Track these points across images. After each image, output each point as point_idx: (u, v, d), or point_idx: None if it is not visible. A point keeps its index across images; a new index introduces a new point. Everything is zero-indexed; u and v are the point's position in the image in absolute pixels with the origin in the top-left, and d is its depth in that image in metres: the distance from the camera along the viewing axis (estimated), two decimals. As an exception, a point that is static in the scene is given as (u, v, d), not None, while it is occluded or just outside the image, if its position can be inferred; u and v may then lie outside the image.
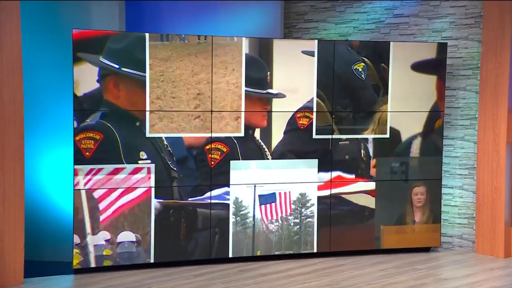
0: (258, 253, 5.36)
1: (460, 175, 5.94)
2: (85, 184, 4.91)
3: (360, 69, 5.40)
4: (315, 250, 5.49)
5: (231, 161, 5.23)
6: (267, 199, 5.34)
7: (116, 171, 4.96)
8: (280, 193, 5.38)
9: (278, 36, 6.28)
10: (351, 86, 5.45)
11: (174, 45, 5.05)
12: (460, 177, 5.94)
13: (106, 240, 4.98)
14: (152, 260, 5.12)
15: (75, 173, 4.89)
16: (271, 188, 5.36)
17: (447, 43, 5.77)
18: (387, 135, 5.55)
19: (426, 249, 5.80)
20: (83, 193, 4.92)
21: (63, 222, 5.51)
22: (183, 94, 5.08)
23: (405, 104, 5.61)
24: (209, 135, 5.16)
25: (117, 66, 4.92)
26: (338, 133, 5.44)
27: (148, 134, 5.02)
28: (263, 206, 5.34)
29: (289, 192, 5.39)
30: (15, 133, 4.60)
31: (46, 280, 4.86)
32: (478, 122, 5.74)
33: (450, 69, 5.89)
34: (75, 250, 4.92)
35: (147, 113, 4.99)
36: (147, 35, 5.00)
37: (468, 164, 5.91)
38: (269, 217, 5.34)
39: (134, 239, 5.06)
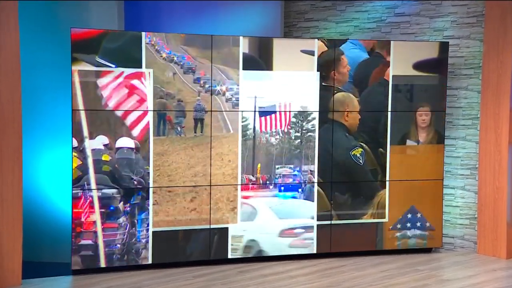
0: (259, 167, 5.30)
1: (461, 175, 5.91)
2: (80, 84, 4.83)
3: (358, 155, 5.46)
4: (316, 177, 5.43)
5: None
6: (267, 112, 5.27)
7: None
8: (280, 105, 5.31)
9: (278, 35, 6.25)
10: (349, 172, 5.49)
11: (171, 139, 5.07)
12: (462, 178, 5.90)
13: (105, 145, 4.93)
14: (150, 261, 5.09)
15: (72, 73, 4.81)
16: (272, 100, 5.30)
17: (448, 42, 5.73)
18: (386, 219, 5.57)
19: (428, 250, 5.77)
20: (79, 95, 4.82)
21: (61, 222, 5.48)
22: (179, 187, 5.09)
23: (406, 104, 5.59)
24: (207, 226, 5.17)
25: (113, 66, 4.90)
26: (336, 218, 5.47)
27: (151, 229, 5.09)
28: (263, 118, 5.27)
29: (290, 104, 5.34)
30: (13, 133, 4.58)
31: (45, 281, 4.84)
32: (480, 122, 5.70)
33: (451, 69, 5.85)
34: (74, 154, 4.86)
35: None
36: (143, 34, 4.98)
37: (470, 164, 5.87)
38: (269, 129, 5.28)
39: (133, 146, 5.00)
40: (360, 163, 5.48)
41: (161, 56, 4.99)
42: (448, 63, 5.71)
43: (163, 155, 5.04)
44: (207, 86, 5.11)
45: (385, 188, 5.55)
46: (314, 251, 5.47)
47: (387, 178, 5.54)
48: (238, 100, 5.18)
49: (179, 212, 5.10)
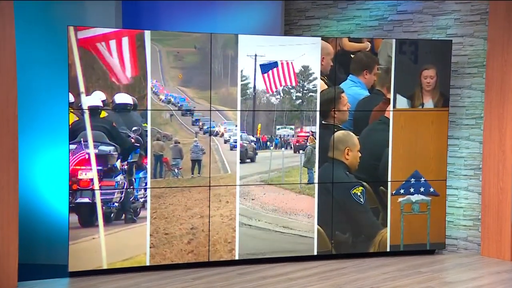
0: (259, 127, 5.23)
1: (465, 175, 5.84)
2: (77, 40, 4.72)
3: (359, 193, 5.42)
4: (316, 218, 5.38)
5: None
6: (268, 66, 5.16)
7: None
8: (282, 62, 5.22)
9: (278, 33, 6.19)
10: (350, 211, 5.44)
11: (167, 181, 5.02)
12: (465, 178, 5.83)
13: (102, 101, 4.82)
14: (148, 263, 5.03)
15: (68, 30, 4.72)
16: (273, 58, 5.19)
17: (452, 40, 5.67)
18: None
19: (431, 252, 5.70)
20: (75, 49, 4.72)
21: (58, 224, 5.45)
22: (176, 229, 5.04)
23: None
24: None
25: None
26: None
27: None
28: (265, 75, 5.16)
29: (291, 62, 5.24)
30: (9, 133, 4.53)
31: (41, 283, 4.79)
32: (484, 121, 5.64)
33: (455, 67, 5.78)
34: (70, 110, 4.76)
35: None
36: (144, 32, 4.93)
37: (473, 164, 5.80)
38: (272, 87, 5.17)
39: (131, 102, 4.90)
40: (361, 201, 5.43)
41: (159, 98, 4.94)
42: (452, 61, 5.64)
43: (160, 197, 5.00)
44: (205, 127, 5.07)
45: (386, 226, 5.51)
46: (315, 253, 5.42)
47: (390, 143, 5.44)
48: (236, 142, 5.14)
49: (176, 255, 5.05)
